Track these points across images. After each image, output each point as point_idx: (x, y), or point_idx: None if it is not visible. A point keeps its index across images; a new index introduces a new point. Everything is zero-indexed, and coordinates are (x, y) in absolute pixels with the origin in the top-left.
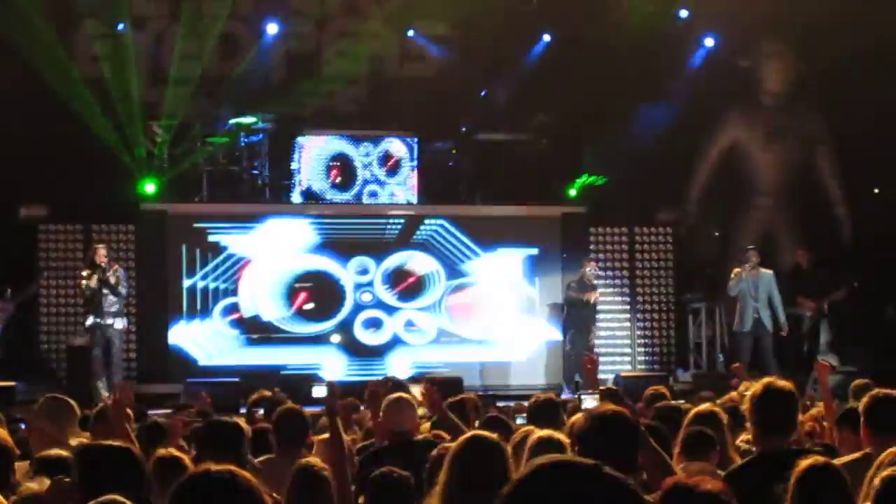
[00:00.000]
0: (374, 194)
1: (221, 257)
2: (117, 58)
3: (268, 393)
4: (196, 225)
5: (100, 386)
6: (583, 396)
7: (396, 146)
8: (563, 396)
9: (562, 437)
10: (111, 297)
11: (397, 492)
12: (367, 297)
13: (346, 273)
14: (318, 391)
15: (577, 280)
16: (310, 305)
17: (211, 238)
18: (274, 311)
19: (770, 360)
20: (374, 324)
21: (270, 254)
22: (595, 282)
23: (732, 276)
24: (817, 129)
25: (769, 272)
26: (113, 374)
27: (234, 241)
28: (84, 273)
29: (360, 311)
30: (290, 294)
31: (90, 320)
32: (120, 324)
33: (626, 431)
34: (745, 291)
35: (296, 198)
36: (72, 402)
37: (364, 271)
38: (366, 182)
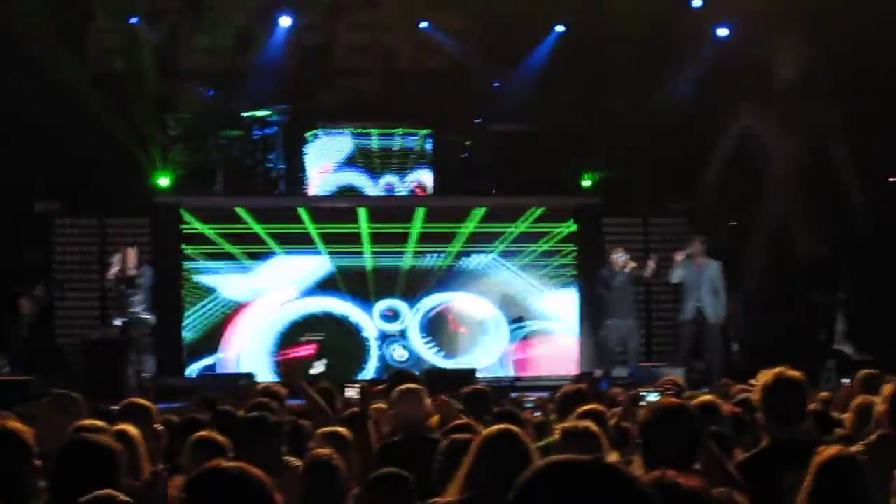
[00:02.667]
0: (390, 189)
1: (212, 301)
2: (131, 51)
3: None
4: (186, 266)
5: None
6: (641, 392)
7: (410, 142)
8: (603, 387)
9: (592, 426)
10: (139, 295)
11: (396, 491)
12: (400, 354)
13: (369, 320)
14: (351, 392)
15: (607, 269)
16: (319, 368)
17: (200, 280)
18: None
19: (714, 350)
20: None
21: (270, 297)
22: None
23: (674, 263)
24: (831, 117)
25: (716, 262)
26: (143, 368)
27: (227, 282)
28: (111, 273)
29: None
30: (289, 345)
31: (117, 321)
32: (148, 317)
33: (687, 425)
34: (689, 280)
35: (310, 190)
36: (78, 397)
37: (394, 317)
38: (369, 175)
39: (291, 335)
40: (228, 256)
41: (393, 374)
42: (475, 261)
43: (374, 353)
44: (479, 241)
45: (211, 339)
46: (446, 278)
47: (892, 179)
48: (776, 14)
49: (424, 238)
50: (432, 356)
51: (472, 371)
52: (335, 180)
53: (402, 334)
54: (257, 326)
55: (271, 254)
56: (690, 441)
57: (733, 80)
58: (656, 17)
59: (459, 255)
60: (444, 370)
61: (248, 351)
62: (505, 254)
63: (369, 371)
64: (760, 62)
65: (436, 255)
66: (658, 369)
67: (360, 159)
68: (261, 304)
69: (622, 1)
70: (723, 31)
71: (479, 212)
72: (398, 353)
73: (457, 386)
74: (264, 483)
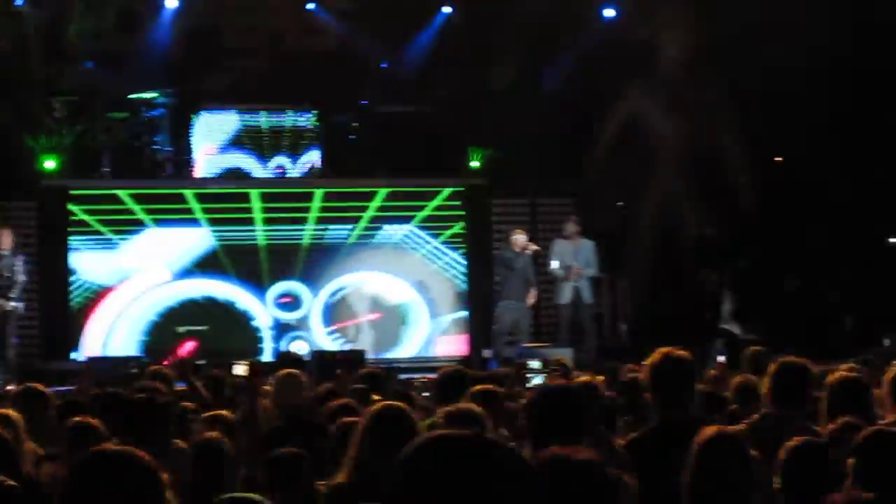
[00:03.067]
0: (280, 168)
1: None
2: (15, 34)
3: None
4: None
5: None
6: (528, 374)
7: (302, 121)
8: (493, 368)
9: (474, 407)
10: (7, 280)
11: (292, 470)
12: (299, 348)
13: (262, 307)
14: (239, 369)
15: (507, 250)
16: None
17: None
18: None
19: (590, 331)
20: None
21: (139, 278)
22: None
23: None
24: (718, 98)
25: (589, 242)
26: (6, 355)
27: (90, 260)
28: None
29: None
30: (169, 341)
31: None
32: (14, 305)
33: (572, 406)
34: (567, 262)
35: (197, 172)
36: None
37: (292, 304)
38: (257, 157)
39: (167, 325)
40: (91, 232)
41: (280, 356)
42: (388, 233)
43: (267, 347)
44: (378, 221)
45: (73, 328)
46: (354, 254)
47: (778, 160)
48: None
49: (323, 220)
50: (332, 344)
51: (362, 353)
52: (221, 162)
53: (303, 324)
54: (120, 314)
55: (141, 226)
56: (576, 421)
57: (620, 60)
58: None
59: (367, 230)
60: (333, 353)
61: (108, 346)
62: (387, 234)
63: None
64: (647, 42)
65: (341, 229)
66: (546, 350)
67: (247, 140)
68: (127, 289)
69: None
70: (609, 12)
71: (380, 192)
72: (297, 348)
73: (346, 369)
74: (151, 466)
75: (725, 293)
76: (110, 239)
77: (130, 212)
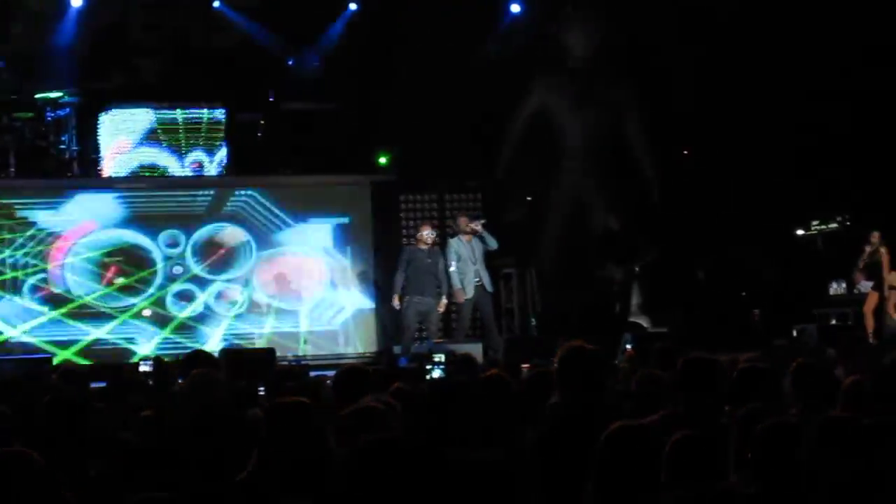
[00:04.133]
0: (198, 163)
1: (30, 233)
2: None
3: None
4: (3, 201)
5: None
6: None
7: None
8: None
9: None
10: None
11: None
12: (178, 270)
13: (156, 246)
14: (145, 366)
15: (413, 245)
16: (120, 280)
17: (19, 213)
18: (84, 286)
19: (491, 324)
20: (186, 296)
21: (80, 228)
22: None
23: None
24: (625, 93)
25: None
26: None
27: (43, 216)
28: None
29: (171, 283)
30: (100, 268)
31: None
32: None
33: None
34: (465, 257)
35: (104, 171)
36: None
37: (174, 244)
38: (173, 153)
39: (99, 259)
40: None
41: (189, 356)
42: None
43: (159, 271)
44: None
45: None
46: (218, 216)
47: (685, 153)
48: None
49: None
50: (201, 271)
51: (272, 351)
52: (134, 159)
53: (181, 257)
54: (75, 252)
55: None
56: (483, 418)
57: (527, 56)
58: None
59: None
60: (243, 351)
61: (68, 271)
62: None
63: (158, 279)
64: (554, 38)
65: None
66: (455, 345)
67: (163, 136)
68: (73, 236)
69: None
70: (515, 8)
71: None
72: (176, 271)
73: (257, 367)
74: (43, 468)
75: (634, 287)
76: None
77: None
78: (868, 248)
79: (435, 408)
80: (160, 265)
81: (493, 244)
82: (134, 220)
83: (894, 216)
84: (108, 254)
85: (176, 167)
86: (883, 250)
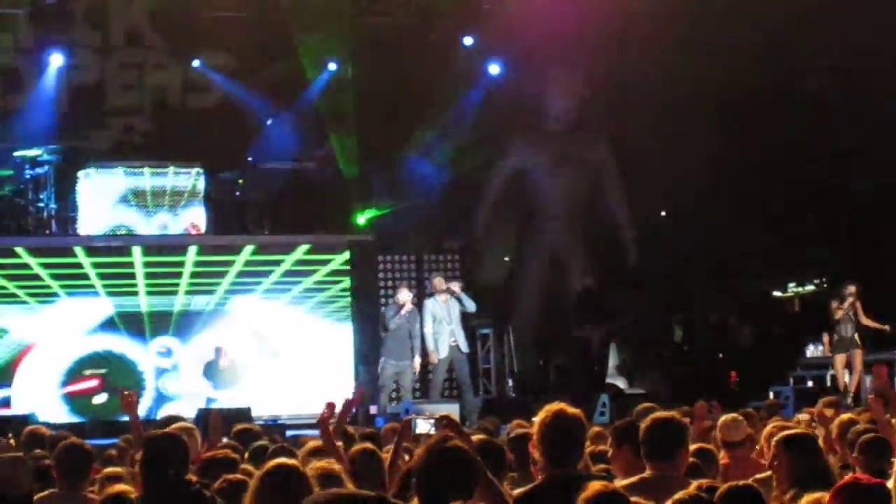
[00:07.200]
0: (164, 227)
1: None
2: None
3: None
4: None
5: None
6: (417, 421)
7: (182, 180)
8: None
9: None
10: None
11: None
12: (172, 387)
13: (146, 353)
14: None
15: (391, 307)
16: (101, 398)
17: None
18: (51, 411)
19: (467, 385)
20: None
21: (56, 336)
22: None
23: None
24: (603, 153)
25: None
26: None
27: (16, 322)
28: None
29: (164, 403)
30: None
31: None
32: None
33: (463, 464)
34: (441, 318)
35: (83, 230)
36: None
37: (167, 353)
38: (152, 214)
39: (77, 370)
40: (13, 296)
41: (163, 419)
42: (240, 301)
43: (150, 386)
44: (250, 276)
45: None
46: (213, 319)
47: (663, 214)
48: (547, 51)
49: (196, 275)
50: (205, 387)
51: (248, 410)
52: (109, 219)
53: (174, 368)
54: (44, 364)
55: (55, 296)
56: (465, 477)
57: (505, 117)
58: (428, 55)
59: (227, 294)
60: (219, 410)
61: (35, 388)
62: (275, 290)
63: (146, 400)
64: (533, 98)
65: (205, 295)
66: (433, 405)
67: (132, 198)
68: (47, 344)
69: (394, 38)
70: (494, 69)
71: (250, 249)
72: (171, 386)
73: (232, 425)
74: None
75: (611, 347)
76: (30, 305)
77: (36, 275)
78: (844, 304)
79: (428, 470)
80: (151, 379)
81: (471, 307)
82: (120, 324)
83: (870, 278)
84: (89, 365)
85: (143, 226)
86: (858, 305)
